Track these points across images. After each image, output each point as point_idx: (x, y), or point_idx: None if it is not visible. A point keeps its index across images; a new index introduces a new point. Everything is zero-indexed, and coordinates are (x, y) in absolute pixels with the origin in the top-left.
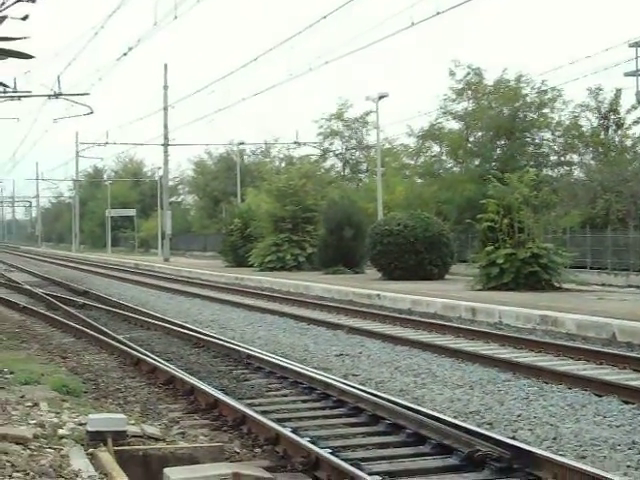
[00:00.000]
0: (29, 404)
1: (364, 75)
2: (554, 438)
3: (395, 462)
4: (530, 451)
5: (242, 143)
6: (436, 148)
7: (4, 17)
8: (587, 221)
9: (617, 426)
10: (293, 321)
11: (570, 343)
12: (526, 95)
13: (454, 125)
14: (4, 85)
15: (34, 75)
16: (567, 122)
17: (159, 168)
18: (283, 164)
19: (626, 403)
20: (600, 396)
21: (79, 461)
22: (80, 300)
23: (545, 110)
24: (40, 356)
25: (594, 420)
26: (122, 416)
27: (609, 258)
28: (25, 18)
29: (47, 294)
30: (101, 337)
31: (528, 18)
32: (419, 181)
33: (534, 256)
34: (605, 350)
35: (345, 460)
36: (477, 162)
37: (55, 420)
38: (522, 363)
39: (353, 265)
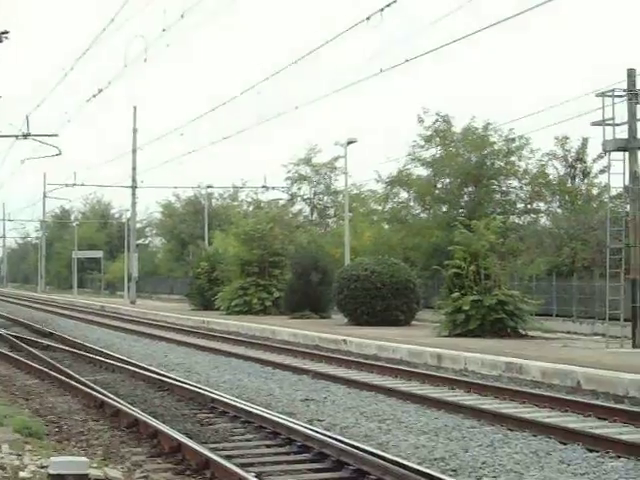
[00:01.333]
0: None
1: (333, 120)
2: None
3: None
4: None
5: (210, 186)
6: (404, 194)
7: None
8: (553, 269)
9: (581, 474)
10: (259, 365)
11: (535, 390)
12: (494, 143)
13: (422, 171)
14: None
15: (2, 115)
16: (534, 170)
17: (127, 210)
18: (251, 208)
19: (590, 451)
20: (565, 444)
21: None
22: (44, 341)
23: (512, 158)
24: (2, 397)
25: (558, 468)
26: (84, 459)
27: (574, 306)
28: None
29: (11, 335)
30: (65, 379)
31: (497, 67)
32: (386, 227)
33: (500, 303)
34: (570, 398)
35: None
36: (445, 208)
37: (17, 462)
38: (487, 410)
39: (320, 310)
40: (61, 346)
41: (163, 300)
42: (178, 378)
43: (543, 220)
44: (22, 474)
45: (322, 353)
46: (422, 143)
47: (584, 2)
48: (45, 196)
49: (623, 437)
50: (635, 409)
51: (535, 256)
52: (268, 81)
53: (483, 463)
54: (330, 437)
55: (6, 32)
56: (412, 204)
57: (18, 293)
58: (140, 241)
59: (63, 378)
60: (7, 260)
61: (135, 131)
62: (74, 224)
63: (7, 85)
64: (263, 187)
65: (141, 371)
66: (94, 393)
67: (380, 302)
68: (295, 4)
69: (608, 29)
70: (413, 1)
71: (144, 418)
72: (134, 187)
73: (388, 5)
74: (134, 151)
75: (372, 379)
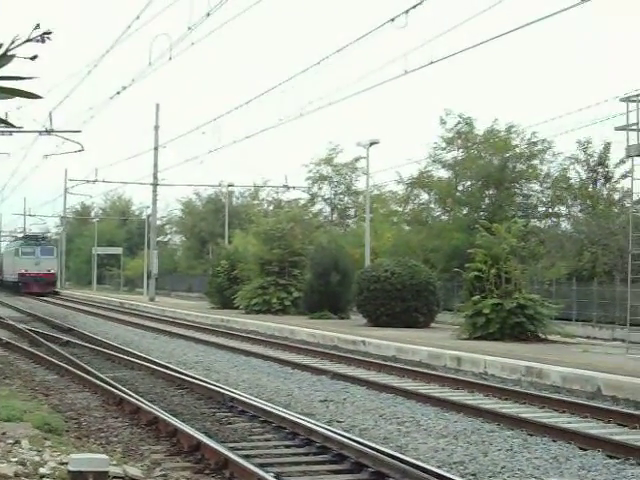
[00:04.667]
0: (10, 441)
1: (355, 121)
2: None
3: None
4: None
5: (231, 185)
6: (425, 196)
7: (12, 56)
8: (573, 273)
9: None
10: (278, 365)
11: (555, 395)
12: (516, 146)
13: (443, 173)
14: (5, 122)
15: (26, 110)
16: (556, 174)
17: (147, 207)
18: (271, 207)
19: (610, 457)
20: (584, 450)
21: None
22: (64, 337)
23: (534, 161)
24: (22, 392)
25: (578, 474)
26: (104, 456)
27: (595, 311)
28: (34, 58)
29: (31, 330)
30: (84, 375)
31: (521, 70)
32: (407, 228)
33: (520, 307)
34: (590, 403)
35: None
36: (465, 211)
37: (37, 458)
38: (507, 414)
39: (339, 310)
40: (80, 342)
41: (182, 298)
42: (197, 376)
43: (564, 224)
44: (42, 470)
45: (341, 354)
46: (444, 145)
47: (611, 4)
48: (66, 192)
49: None
50: None
51: (556, 260)
52: (292, 81)
53: (502, 467)
54: (349, 439)
55: (49, 32)
56: (433, 206)
57: None
58: (160, 238)
59: (82, 374)
60: None
61: (157, 128)
62: (94, 220)
63: (30, 81)
64: (284, 186)
65: (160, 369)
66: (113, 390)
67: (400, 303)
68: (320, 5)
69: (634, 33)
70: (438, 3)
71: (163, 416)
72: (155, 184)
73: (413, 7)
74: (156, 148)
75: (391, 381)
